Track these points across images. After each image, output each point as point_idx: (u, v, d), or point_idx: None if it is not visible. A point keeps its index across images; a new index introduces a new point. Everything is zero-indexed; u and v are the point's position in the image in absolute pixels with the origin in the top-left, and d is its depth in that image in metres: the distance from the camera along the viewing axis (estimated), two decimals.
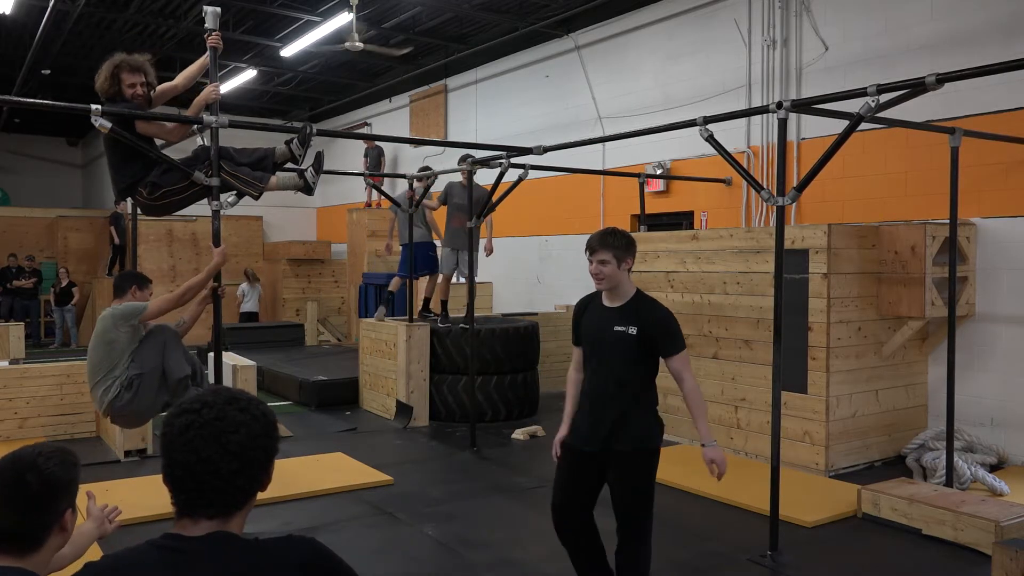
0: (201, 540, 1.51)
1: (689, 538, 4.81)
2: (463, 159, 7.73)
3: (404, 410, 8.09)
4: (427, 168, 8.71)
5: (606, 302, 3.52)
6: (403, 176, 8.80)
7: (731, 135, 8.21)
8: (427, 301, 8.99)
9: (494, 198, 7.18)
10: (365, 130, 14.96)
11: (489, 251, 8.96)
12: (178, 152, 5.29)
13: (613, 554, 3.46)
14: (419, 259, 8.81)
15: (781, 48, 8.05)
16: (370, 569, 4.31)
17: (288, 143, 5.03)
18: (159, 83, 4.89)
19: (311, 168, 5.07)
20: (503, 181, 6.97)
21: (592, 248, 3.48)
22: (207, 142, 4.97)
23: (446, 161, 11.03)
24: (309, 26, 10.87)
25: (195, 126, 5.08)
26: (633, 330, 3.39)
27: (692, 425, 3.67)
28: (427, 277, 9.19)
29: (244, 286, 14.59)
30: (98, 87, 4.69)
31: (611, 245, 3.43)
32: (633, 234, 3.91)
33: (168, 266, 15.57)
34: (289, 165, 5.14)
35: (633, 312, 3.43)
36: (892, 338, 6.38)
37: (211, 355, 6.07)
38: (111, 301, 4.86)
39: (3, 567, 1.87)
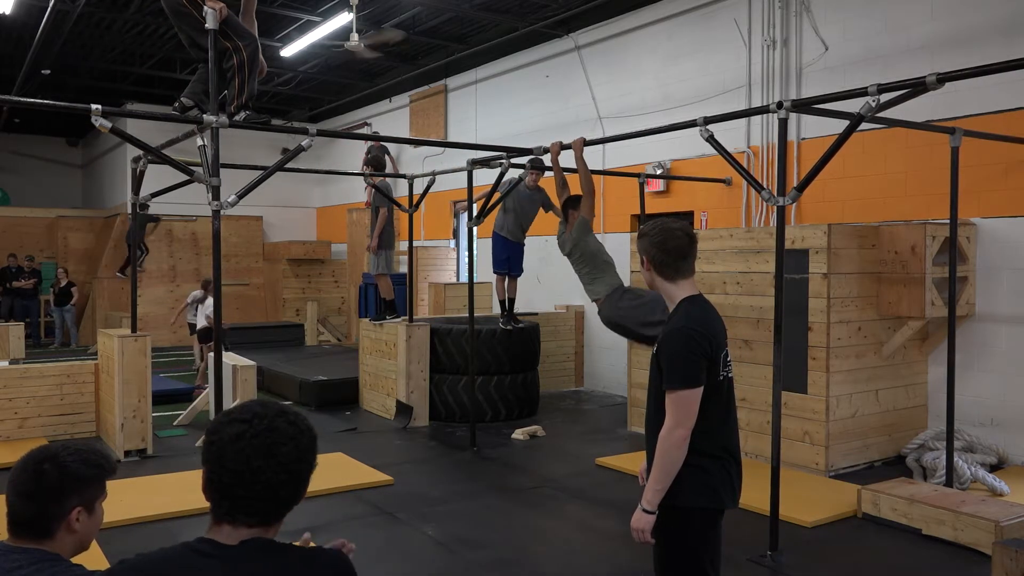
0: (238, 548, 1.52)
1: None
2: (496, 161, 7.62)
3: (404, 410, 8.08)
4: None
5: None
6: (404, 176, 8.81)
7: (731, 135, 8.21)
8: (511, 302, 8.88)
9: (494, 199, 7.19)
10: (365, 130, 14.95)
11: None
12: (181, 153, 5.30)
13: None
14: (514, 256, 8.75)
15: (781, 48, 8.04)
16: (370, 569, 4.31)
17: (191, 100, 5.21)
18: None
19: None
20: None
21: None
22: (208, 142, 4.98)
23: (446, 161, 11.02)
24: (309, 26, 10.88)
25: (195, 126, 5.10)
26: (655, 347, 2.71)
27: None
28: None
29: (197, 293, 10.82)
30: None
31: (638, 239, 2.84)
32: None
33: (168, 266, 15.58)
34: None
35: (667, 325, 2.74)
36: (892, 338, 6.38)
37: (211, 355, 6.07)
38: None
39: (23, 547, 1.93)
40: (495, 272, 8.86)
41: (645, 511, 2.60)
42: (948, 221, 5.79)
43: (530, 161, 7.72)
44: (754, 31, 8.31)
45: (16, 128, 18.16)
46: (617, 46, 9.94)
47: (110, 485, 2.11)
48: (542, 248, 10.72)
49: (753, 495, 5.26)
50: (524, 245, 8.86)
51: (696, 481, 2.62)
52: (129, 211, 8.00)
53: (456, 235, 13.14)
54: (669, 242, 2.70)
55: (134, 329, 7.19)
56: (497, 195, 7.27)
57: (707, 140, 5.16)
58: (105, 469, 2.04)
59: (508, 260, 8.71)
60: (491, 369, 8.12)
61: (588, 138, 6.45)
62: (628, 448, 6.95)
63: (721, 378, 2.66)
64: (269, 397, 9.44)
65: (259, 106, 5.33)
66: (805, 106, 4.88)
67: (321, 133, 5.72)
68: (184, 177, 5.27)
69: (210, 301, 10.78)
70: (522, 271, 8.93)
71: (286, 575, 1.54)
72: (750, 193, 8.35)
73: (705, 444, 2.63)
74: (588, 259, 6.32)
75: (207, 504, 1.62)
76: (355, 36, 9.60)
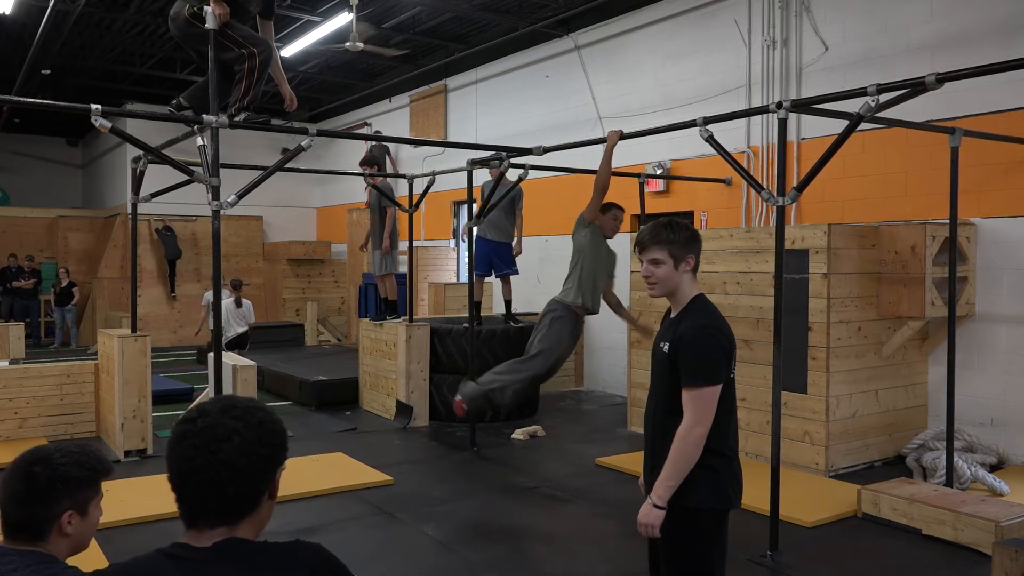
0: (211, 550, 1.51)
1: None
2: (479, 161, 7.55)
3: (404, 410, 8.08)
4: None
5: (672, 311, 2.80)
6: (404, 176, 8.81)
7: (731, 135, 8.21)
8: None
9: (492, 199, 7.19)
10: (365, 130, 14.95)
11: (518, 252, 8.81)
12: (181, 153, 5.28)
13: None
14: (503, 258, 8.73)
15: (781, 48, 8.05)
16: (370, 569, 4.31)
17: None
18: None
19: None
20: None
21: (642, 244, 2.74)
22: (207, 142, 4.98)
23: (446, 161, 11.02)
24: (309, 26, 10.88)
25: (195, 126, 5.09)
26: (667, 346, 2.66)
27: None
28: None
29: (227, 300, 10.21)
30: None
31: (666, 240, 2.69)
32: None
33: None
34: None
35: (677, 322, 2.69)
36: (892, 338, 6.38)
37: (211, 355, 6.07)
38: None
39: (18, 549, 1.93)
40: (475, 274, 8.66)
41: (656, 506, 2.59)
42: (948, 221, 5.79)
43: (490, 160, 7.51)
44: (754, 31, 8.31)
45: (16, 128, 18.16)
46: (617, 46, 9.94)
47: (111, 485, 2.10)
48: (542, 248, 10.73)
49: (753, 495, 5.26)
50: (509, 243, 8.74)
51: (707, 481, 2.62)
52: (129, 211, 7.97)
53: (456, 235, 13.14)
54: (698, 238, 2.79)
55: (134, 329, 7.19)
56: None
57: (707, 140, 5.16)
58: (97, 471, 2.03)
59: (488, 261, 8.63)
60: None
61: (588, 138, 6.43)
62: (628, 448, 6.95)
63: (731, 376, 2.69)
64: (267, 397, 9.44)
65: (259, 106, 5.31)
66: (805, 106, 4.88)
67: (321, 133, 5.72)
68: (184, 177, 5.27)
69: (248, 305, 10.67)
70: (516, 271, 8.85)
71: (261, 572, 1.51)
72: (750, 193, 8.35)
73: (714, 443, 2.62)
74: (588, 257, 5.95)
75: None
76: (355, 36, 9.60)
